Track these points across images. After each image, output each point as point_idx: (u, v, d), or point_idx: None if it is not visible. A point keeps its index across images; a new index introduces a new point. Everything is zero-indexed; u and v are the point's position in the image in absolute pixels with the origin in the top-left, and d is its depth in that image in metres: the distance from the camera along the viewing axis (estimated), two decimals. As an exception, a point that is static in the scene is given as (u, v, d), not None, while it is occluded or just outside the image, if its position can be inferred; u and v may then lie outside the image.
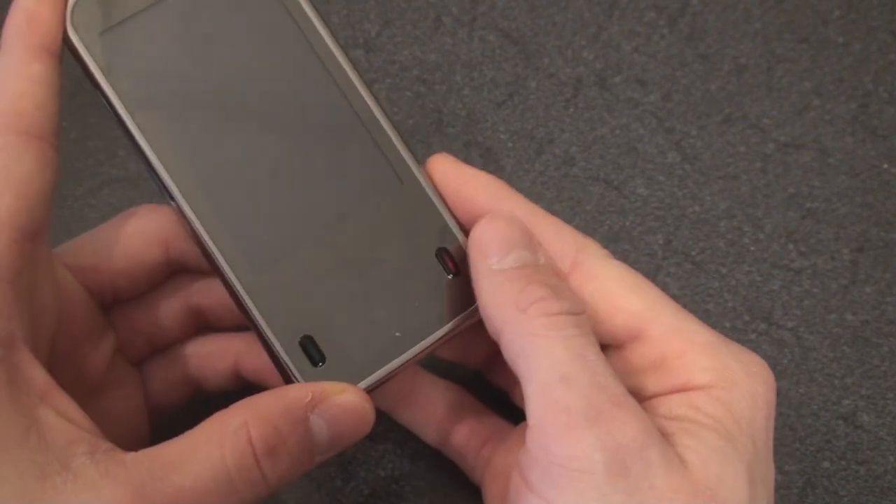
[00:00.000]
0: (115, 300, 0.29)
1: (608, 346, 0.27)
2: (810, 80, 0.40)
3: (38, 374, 0.24)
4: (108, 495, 0.22)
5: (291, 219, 0.28)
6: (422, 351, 0.27)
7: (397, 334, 0.27)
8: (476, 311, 0.28)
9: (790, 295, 0.37)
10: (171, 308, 0.30)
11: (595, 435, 0.22)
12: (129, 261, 0.29)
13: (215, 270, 0.27)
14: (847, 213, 0.38)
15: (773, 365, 0.36)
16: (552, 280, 0.25)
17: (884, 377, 0.36)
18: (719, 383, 0.25)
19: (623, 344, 0.27)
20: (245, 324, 0.31)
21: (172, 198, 0.27)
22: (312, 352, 0.27)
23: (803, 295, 0.37)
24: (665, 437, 0.23)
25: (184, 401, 0.31)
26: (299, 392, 0.25)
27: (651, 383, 0.26)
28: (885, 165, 0.39)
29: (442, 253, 0.28)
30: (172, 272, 0.30)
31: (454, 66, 0.40)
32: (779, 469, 0.35)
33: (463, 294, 0.28)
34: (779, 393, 0.36)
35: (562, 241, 0.28)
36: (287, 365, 0.27)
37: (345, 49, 0.29)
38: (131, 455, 0.23)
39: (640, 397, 0.26)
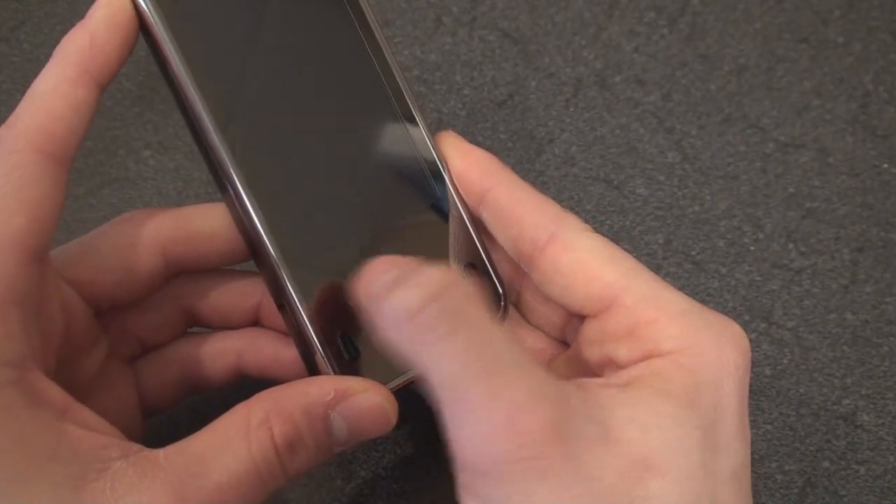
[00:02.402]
0: (112, 308, 0.29)
1: (585, 317, 0.27)
2: (810, 80, 0.40)
3: (54, 392, 0.24)
4: (148, 497, 0.22)
5: (340, 220, 0.28)
6: None
7: None
8: (502, 319, 0.29)
9: (790, 295, 0.37)
10: (163, 310, 0.30)
11: (506, 447, 0.22)
12: (126, 272, 0.28)
13: (261, 261, 0.28)
14: (847, 213, 0.38)
15: (774, 365, 0.36)
16: (401, 276, 0.23)
17: (884, 377, 0.36)
18: (685, 349, 0.25)
19: (598, 313, 0.27)
20: (236, 322, 0.31)
21: (229, 182, 0.27)
22: (349, 346, 0.27)
23: (803, 295, 0.37)
24: (610, 407, 0.23)
25: (180, 400, 0.31)
26: (322, 389, 0.25)
27: (624, 352, 0.26)
28: (885, 165, 0.39)
29: (469, 268, 0.29)
30: (172, 276, 0.30)
31: (454, 66, 0.40)
32: (779, 469, 0.35)
33: (489, 299, 0.29)
34: (779, 393, 0.36)
35: (542, 214, 0.28)
36: (323, 359, 0.27)
37: (400, 64, 0.29)
38: (163, 453, 0.23)
39: (615, 366, 0.26)
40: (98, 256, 0.28)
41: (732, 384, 0.24)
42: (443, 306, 0.22)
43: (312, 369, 0.28)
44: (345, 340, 0.27)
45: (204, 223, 0.29)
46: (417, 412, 0.35)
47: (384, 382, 0.27)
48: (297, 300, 0.27)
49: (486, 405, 0.22)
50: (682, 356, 0.25)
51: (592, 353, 0.27)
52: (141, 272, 0.29)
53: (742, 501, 0.24)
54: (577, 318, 0.28)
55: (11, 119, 0.25)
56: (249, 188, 0.27)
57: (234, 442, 0.24)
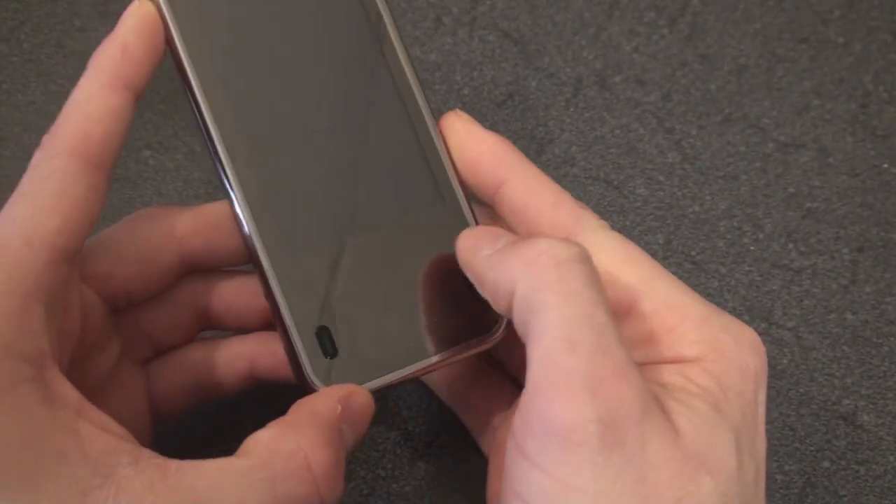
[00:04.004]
0: (128, 304, 0.29)
1: None
2: (810, 80, 0.40)
3: (70, 391, 0.24)
4: None
5: (332, 214, 0.28)
6: (430, 366, 0.28)
7: (411, 345, 0.28)
8: (491, 337, 0.28)
9: (790, 295, 0.37)
10: (177, 310, 0.30)
11: (593, 406, 0.22)
12: (142, 265, 0.29)
13: (248, 251, 0.28)
14: (847, 213, 0.38)
15: (774, 365, 0.36)
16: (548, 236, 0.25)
17: (884, 377, 0.36)
18: (709, 356, 0.25)
19: (616, 317, 0.27)
20: (250, 323, 0.31)
21: (222, 168, 0.27)
22: (326, 344, 0.27)
23: (803, 295, 0.37)
24: (665, 398, 0.24)
25: (192, 405, 0.31)
26: (328, 406, 0.25)
27: (641, 357, 0.26)
28: (885, 165, 0.39)
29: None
30: (185, 273, 0.30)
31: (454, 66, 0.40)
32: (779, 469, 0.35)
33: (481, 318, 0.28)
34: (779, 393, 0.36)
35: (560, 210, 0.28)
36: (299, 353, 0.27)
37: (413, 62, 0.29)
38: (176, 466, 0.23)
39: None
40: (114, 249, 0.29)
41: (752, 392, 0.25)
42: (589, 270, 0.23)
43: (294, 366, 0.28)
44: (323, 337, 0.27)
45: (219, 220, 0.29)
46: (417, 414, 0.35)
47: (363, 382, 0.27)
48: (277, 294, 0.27)
49: (597, 358, 0.22)
50: (706, 363, 0.25)
51: None
52: (157, 266, 0.29)
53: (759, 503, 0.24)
54: None
55: (53, 128, 0.26)
56: (239, 181, 0.27)
57: (254, 474, 0.23)
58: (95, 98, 0.26)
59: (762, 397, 0.25)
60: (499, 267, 0.24)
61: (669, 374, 0.25)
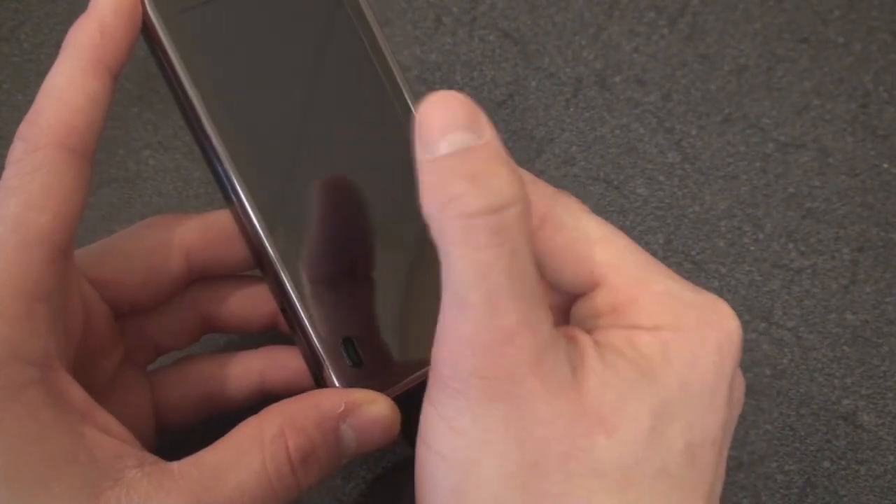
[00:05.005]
0: (133, 311, 0.29)
1: (576, 295, 0.27)
2: (810, 80, 0.40)
3: (76, 393, 0.24)
4: None
5: (343, 222, 0.28)
6: None
7: (428, 345, 0.28)
8: None
9: (790, 295, 0.37)
10: (181, 316, 0.30)
11: (472, 362, 0.22)
12: (150, 274, 0.29)
13: (266, 269, 0.28)
14: (847, 213, 0.38)
15: (774, 365, 0.36)
16: (484, 165, 0.23)
17: (884, 377, 0.36)
18: (666, 326, 0.25)
19: (587, 292, 0.27)
20: (254, 327, 0.31)
21: (234, 191, 0.27)
22: (352, 354, 0.27)
23: (803, 295, 0.37)
24: (583, 357, 0.24)
25: (200, 419, 0.31)
26: (332, 401, 0.26)
27: (604, 323, 0.26)
28: (885, 165, 0.39)
29: None
30: (191, 281, 0.30)
31: (454, 66, 0.40)
32: (779, 469, 0.35)
33: None
34: (779, 393, 0.36)
35: (535, 195, 0.27)
36: (326, 365, 0.27)
37: (402, 69, 0.29)
38: (178, 465, 0.23)
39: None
40: (124, 257, 0.28)
41: (709, 363, 0.24)
42: (496, 222, 0.22)
43: (318, 377, 0.28)
44: (348, 347, 0.27)
45: (226, 228, 0.29)
46: (417, 414, 0.35)
47: (386, 388, 0.27)
48: (300, 308, 0.27)
49: (483, 320, 0.22)
50: (660, 332, 0.25)
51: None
52: (166, 275, 0.29)
53: (694, 476, 0.24)
54: (571, 300, 0.28)
55: (31, 115, 0.25)
56: (251, 196, 0.27)
57: (247, 455, 0.24)
58: (77, 83, 0.25)
59: (725, 370, 0.25)
60: (424, 192, 0.23)
61: (615, 336, 0.25)
